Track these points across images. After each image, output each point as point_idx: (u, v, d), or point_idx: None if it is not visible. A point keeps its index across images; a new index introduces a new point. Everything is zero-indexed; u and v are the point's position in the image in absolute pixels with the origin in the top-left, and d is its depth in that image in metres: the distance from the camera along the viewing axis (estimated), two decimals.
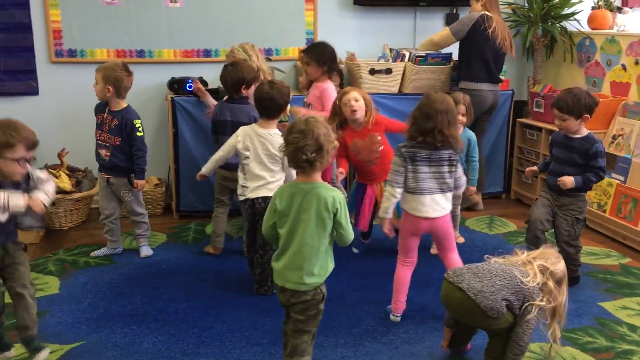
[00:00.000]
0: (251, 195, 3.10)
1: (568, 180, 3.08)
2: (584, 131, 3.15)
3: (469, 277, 2.40)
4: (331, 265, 2.29)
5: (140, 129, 3.46)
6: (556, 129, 3.39)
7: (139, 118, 3.49)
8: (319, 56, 3.76)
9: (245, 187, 3.14)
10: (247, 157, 3.11)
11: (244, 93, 3.50)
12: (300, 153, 2.14)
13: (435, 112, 2.67)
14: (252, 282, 3.22)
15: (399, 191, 2.76)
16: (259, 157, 3.08)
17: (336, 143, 2.24)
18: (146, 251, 3.69)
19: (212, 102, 3.94)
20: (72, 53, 4.30)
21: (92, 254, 3.66)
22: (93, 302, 3.07)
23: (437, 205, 2.76)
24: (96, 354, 2.61)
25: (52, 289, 3.22)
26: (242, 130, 3.16)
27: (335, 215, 2.19)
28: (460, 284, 2.37)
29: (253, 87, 3.39)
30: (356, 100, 3.36)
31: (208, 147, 4.21)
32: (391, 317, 2.93)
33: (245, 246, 3.28)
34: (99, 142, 3.53)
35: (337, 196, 2.19)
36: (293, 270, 2.22)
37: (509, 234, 4.16)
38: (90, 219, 4.26)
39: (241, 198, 3.18)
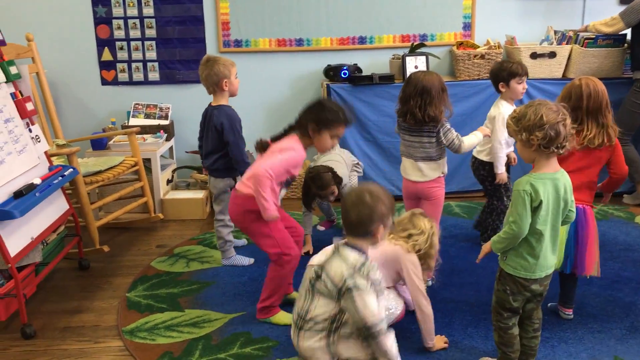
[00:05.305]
0: None
1: None
2: None
3: None
4: None
5: None
6: None
7: None
8: None
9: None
10: None
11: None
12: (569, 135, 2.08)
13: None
14: None
15: None
16: None
17: None
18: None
19: None
20: (238, 43, 4.60)
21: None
22: (252, 277, 3.29)
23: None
24: (256, 324, 2.80)
25: (217, 262, 3.50)
26: None
27: None
28: None
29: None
30: None
31: (361, 133, 4.29)
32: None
33: None
34: None
35: None
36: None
37: None
38: None
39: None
